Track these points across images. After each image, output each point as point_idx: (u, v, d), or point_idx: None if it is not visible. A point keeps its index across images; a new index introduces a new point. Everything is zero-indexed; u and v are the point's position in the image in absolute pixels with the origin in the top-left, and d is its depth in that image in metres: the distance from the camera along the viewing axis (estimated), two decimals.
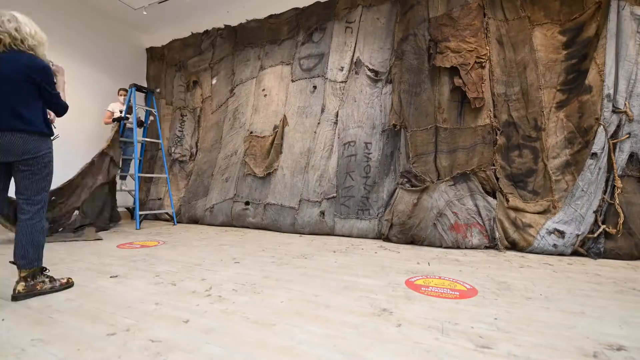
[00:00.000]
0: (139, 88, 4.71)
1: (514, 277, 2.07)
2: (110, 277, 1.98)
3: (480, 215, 3.09)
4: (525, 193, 3.09)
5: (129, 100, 4.59)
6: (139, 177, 4.56)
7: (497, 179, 3.14)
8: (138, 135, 4.78)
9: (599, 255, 2.67)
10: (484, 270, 2.25)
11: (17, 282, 1.59)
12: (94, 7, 4.78)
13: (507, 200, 3.07)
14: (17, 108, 1.55)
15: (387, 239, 3.36)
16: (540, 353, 1.12)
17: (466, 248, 3.00)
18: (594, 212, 2.76)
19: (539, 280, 2.01)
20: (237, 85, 4.83)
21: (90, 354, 1.10)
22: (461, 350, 1.14)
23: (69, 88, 4.55)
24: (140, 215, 4.29)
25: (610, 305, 1.59)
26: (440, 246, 3.08)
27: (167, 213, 4.86)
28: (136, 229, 4.08)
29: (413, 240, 3.20)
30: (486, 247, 3.03)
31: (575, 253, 2.74)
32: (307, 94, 4.19)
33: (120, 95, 4.77)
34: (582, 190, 2.79)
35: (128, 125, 4.67)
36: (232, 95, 4.86)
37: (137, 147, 4.55)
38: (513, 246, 2.95)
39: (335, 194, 3.76)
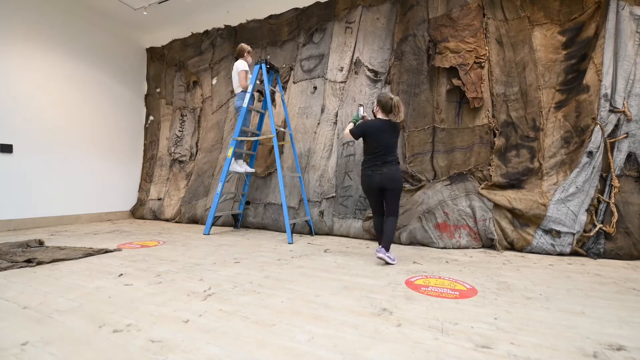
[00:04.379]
0: (271, 66, 3.76)
1: (513, 277, 2.07)
2: (110, 277, 1.98)
3: (474, 216, 3.10)
4: (517, 191, 3.09)
5: (255, 79, 3.67)
6: (282, 177, 3.45)
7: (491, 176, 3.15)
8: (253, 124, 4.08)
9: (598, 255, 2.67)
10: (484, 270, 2.25)
11: None
12: (94, 7, 4.78)
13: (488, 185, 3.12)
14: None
15: (367, 228, 3.40)
16: (540, 353, 1.12)
17: (452, 248, 3.02)
18: (586, 210, 2.76)
19: (539, 280, 2.02)
20: None
21: (90, 354, 1.10)
22: (461, 350, 1.14)
23: (69, 88, 4.58)
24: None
25: (610, 305, 1.59)
26: (422, 244, 3.13)
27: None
28: (287, 240, 3.27)
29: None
30: (484, 247, 3.04)
31: (575, 253, 2.75)
32: (308, 95, 4.20)
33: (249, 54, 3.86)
34: (577, 188, 2.79)
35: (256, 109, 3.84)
36: (233, 96, 4.86)
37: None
38: (512, 246, 2.95)
39: (334, 194, 3.76)
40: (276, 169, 4.21)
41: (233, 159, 3.73)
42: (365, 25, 3.91)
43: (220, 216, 4.12)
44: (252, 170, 4.01)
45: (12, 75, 3.97)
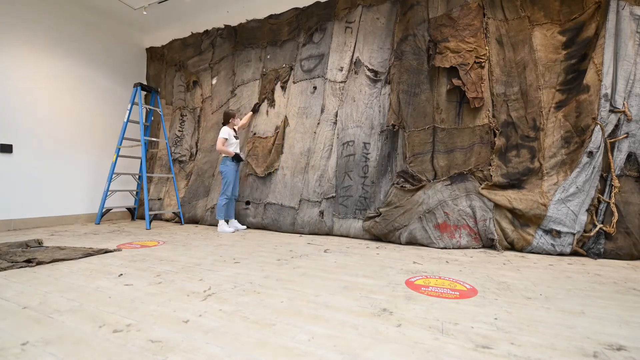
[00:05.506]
0: (143, 87, 4.73)
1: (514, 277, 2.07)
2: (110, 277, 1.98)
3: (474, 216, 3.10)
4: (517, 191, 3.09)
5: (133, 100, 4.61)
6: (146, 177, 4.48)
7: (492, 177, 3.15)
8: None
9: (599, 255, 2.67)
10: (484, 270, 2.25)
11: None
12: (94, 7, 4.78)
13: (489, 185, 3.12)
14: None
15: (367, 227, 3.43)
16: (541, 353, 1.12)
17: (453, 248, 3.02)
18: (587, 210, 2.76)
19: (539, 280, 2.02)
20: (238, 86, 4.83)
21: (90, 354, 1.10)
22: (461, 350, 1.14)
23: (69, 88, 4.57)
24: (150, 215, 4.32)
25: (610, 305, 1.59)
26: (422, 244, 3.13)
27: (174, 212, 4.86)
28: (147, 228, 4.08)
29: (393, 228, 3.23)
30: (485, 247, 3.04)
31: (575, 253, 2.75)
32: (308, 95, 4.20)
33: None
34: (577, 188, 2.79)
35: None
36: (233, 95, 4.86)
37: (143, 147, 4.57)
38: (512, 246, 2.95)
39: (334, 194, 3.76)
40: (276, 170, 4.21)
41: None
42: (365, 25, 3.91)
43: (111, 209, 4.94)
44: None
45: (12, 76, 3.97)
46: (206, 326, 1.31)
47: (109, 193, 4.65)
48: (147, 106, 4.81)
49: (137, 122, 4.76)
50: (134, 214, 5.24)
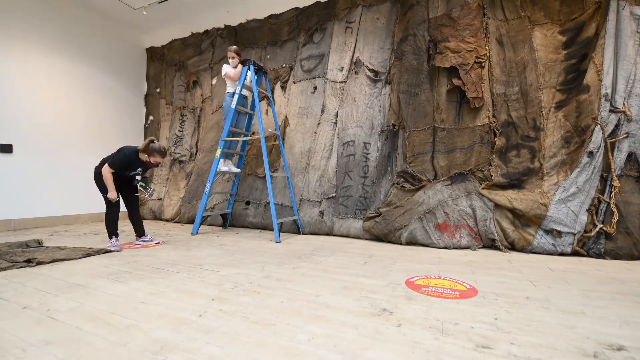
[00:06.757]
0: (259, 67, 3.77)
1: (514, 277, 2.07)
2: (111, 277, 1.98)
3: (474, 216, 3.09)
4: (518, 191, 3.08)
5: (244, 79, 3.71)
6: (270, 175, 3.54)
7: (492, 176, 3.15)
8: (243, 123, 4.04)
9: (599, 255, 2.67)
10: (484, 270, 2.25)
11: None
12: (94, 7, 4.78)
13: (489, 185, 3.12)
14: None
15: (367, 227, 3.43)
16: (541, 353, 1.12)
17: (453, 248, 3.02)
18: (587, 210, 2.76)
19: (539, 280, 2.02)
20: None
21: (90, 354, 1.10)
22: (461, 350, 1.14)
23: (69, 88, 4.57)
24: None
25: (610, 305, 1.59)
26: (422, 244, 3.13)
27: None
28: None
29: (393, 228, 3.23)
30: (485, 247, 3.04)
31: (576, 253, 2.75)
32: (308, 95, 4.20)
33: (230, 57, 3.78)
34: (577, 188, 2.79)
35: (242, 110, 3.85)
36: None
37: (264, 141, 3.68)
38: (513, 246, 2.95)
39: (334, 194, 3.76)
40: (276, 169, 4.21)
41: (222, 159, 3.84)
42: (365, 25, 3.91)
43: (209, 215, 4.26)
44: (238, 170, 4.06)
45: (12, 76, 3.97)
46: (206, 326, 1.31)
47: (209, 197, 3.86)
48: (262, 90, 3.84)
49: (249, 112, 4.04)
50: (227, 220, 4.31)
